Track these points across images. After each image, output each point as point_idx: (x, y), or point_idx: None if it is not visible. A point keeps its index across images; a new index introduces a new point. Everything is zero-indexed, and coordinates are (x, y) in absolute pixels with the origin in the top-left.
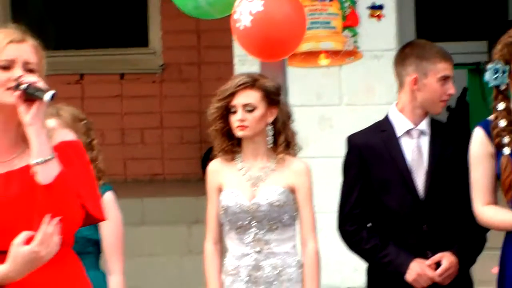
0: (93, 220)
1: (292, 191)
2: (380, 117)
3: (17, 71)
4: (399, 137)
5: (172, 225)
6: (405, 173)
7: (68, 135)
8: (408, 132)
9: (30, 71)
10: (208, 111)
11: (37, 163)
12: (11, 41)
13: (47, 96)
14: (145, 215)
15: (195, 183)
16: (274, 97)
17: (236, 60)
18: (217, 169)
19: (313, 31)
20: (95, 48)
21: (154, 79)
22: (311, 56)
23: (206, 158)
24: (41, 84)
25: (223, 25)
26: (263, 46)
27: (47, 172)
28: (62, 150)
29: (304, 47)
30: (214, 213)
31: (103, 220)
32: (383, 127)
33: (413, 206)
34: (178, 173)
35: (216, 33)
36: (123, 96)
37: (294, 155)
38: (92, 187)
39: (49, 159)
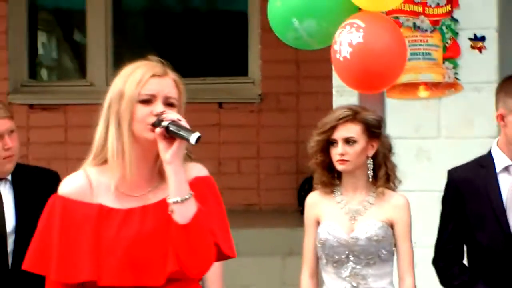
0: (224, 257)
1: (390, 225)
2: (479, 151)
3: (158, 106)
4: (498, 173)
5: (266, 257)
6: (499, 210)
7: (202, 171)
8: (506, 169)
9: (171, 105)
10: (308, 144)
11: (175, 202)
12: (153, 75)
13: (193, 139)
14: (239, 246)
15: (291, 214)
16: (375, 130)
17: (334, 91)
18: (315, 201)
19: (413, 62)
20: (195, 76)
21: (252, 109)
22: (411, 87)
23: (302, 189)
24: (183, 122)
25: (323, 55)
26: (362, 78)
27: (184, 212)
28: (196, 186)
29: (404, 78)
30: (311, 246)
31: (234, 257)
32: (484, 163)
33: (504, 244)
34: (274, 204)
35: (315, 63)
36: (221, 125)
37: (394, 189)
38: (224, 224)
39: (187, 199)
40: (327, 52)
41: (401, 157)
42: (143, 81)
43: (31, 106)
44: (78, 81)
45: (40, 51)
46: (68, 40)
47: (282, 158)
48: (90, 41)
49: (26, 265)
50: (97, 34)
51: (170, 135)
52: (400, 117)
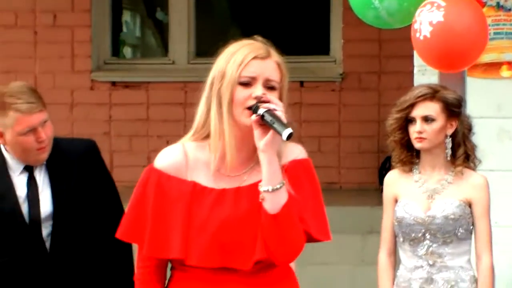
0: (315, 240)
1: (468, 204)
2: None
3: (258, 89)
4: None
5: (346, 235)
6: None
7: (301, 153)
8: None
9: (271, 88)
10: (387, 122)
11: (266, 191)
12: (255, 57)
13: (285, 134)
14: None
15: (372, 192)
16: (454, 109)
17: (415, 70)
18: (394, 180)
19: (496, 42)
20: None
21: (334, 88)
22: (493, 67)
23: (383, 167)
24: (279, 113)
25: (405, 35)
26: (442, 57)
27: (274, 201)
28: (292, 170)
29: (486, 58)
30: (389, 224)
31: (328, 240)
32: None
33: None
34: (354, 182)
35: (397, 42)
36: (302, 103)
37: (473, 168)
38: (319, 207)
39: (278, 189)
40: (409, 31)
41: (482, 136)
42: (244, 63)
43: (113, 83)
44: (160, 59)
45: (123, 29)
46: (150, 18)
47: (363, 137)
48: (173, 20)
49: (120, 234)
50: (180, 12)
51: (264, 124)
52: (482, 96)
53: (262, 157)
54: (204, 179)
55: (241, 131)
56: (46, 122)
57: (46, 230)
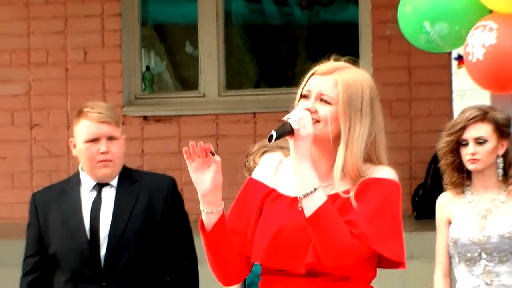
0: (394, 265)
1: None
2: None
3: (309, 102)
4: None
5: None
6: None
7: (385, 174)
8: None
9: (324, 101)
10: (438, 145)
11: (300, 198)
12: (314, 73)
13: (270, 136)
14: None
15: (406, 219)
16: (505, 129)
17: (454, 95)
18: (446, 202)
19: None
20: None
21: None
22: None
23: (416, 194)
24: (291, 120)
25: (436, 61)
26: (496, 78)
27: (308, 206)
28: (363, 186)
29: None
30: (443, 246)
31: (401, 263)
32: None
33: None
34: None
35: (427, 69)
36: None
37: None
38: (384, 228)
39: (308, 194)
40: (440, 58)
41: None
42: (306, 78)
43: (145, 118)
44: (191, 92)
45: (153, 64)
46: (181, 52)
47: (395, 164)
48: (203, 53)
49: None
50: (209, 46)
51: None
52: None
53: (293, 165)
54: (286, 187)
55: (313, 146)
56: (115, 139)
57: (103, 250)
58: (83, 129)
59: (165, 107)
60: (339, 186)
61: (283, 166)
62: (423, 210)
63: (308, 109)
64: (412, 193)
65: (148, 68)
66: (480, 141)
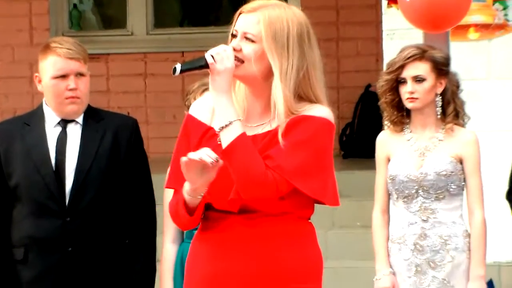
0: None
1: (459, 161)
2: None
3: (236, 41)
4: None
5: None
6: None
7: (318, 112)
8: None
9: (248, 39)
10: (377, 84)
11: (218, 131)
12: (241, 12)
13: (174, 69)
14: None
15: (334, 158)
16: (443, 68)
17: (384, 35)
18: (386, 140)
19: None
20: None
21: None
22: (461, 29)
23: (343, 134)
24: (211, 54)
25: (362, 2)
26: (429, 17)
27: (225, 139)
28: (293, 122)
29: None
30: (382, 183)
31: (322, 201)
32: None
33: None
34: None
35: (355, 9)
36: None
37: (463, 125)
38: (307, 164)
39: (223, 127)
40: None
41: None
42: (235, 18)
43: None
44: (119, 31)
45: (80, 2)
46: None
47: None
48: None
49: (167, 185)
50: None
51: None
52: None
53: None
54: None
55: (246, 86)
56: (83, 76)
57: (68, 185)
58: (50, 64)
59: (93, 45)
60: (273, 123)
61: None
62: (350, 149)
63: (234, 48)
64: (340, 133)
65: (75, 6)
66: (418, 79)
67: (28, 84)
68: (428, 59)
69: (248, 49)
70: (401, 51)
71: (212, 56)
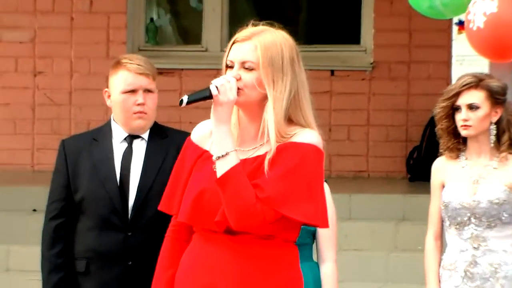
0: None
1: None
2: None
3: (235, 70)
4: None
5: (379, 222)
6: None
7: (308, 138)
8: None
9: (247, 68)
10: (434, 110)
11: (215, 160)
12: (235, 41)
13: (181, 101)
14: (352, 211)
15: (400, 181)
16: (499, 97)
17: (453, 60)
18: (441, 166)
19: None
20: (308, 44)
21: (364, 77)
22: None
23: (411, 157)
24: (215, 85)
25: (437, 25)
26: (495, 47)
27: (220, 168)
28: (283, 151)
29: None
30: (436, 209)
31: (313, 224)
32: None
33: None
34: (382, 171)
35: (428, 32)
36: (332, 92)
37: None
38: (296, 191)
39: (220, 157)
40: (440, 22)
41: None
42: (228, 47)
43: None
44: (193, 47)
45: (157, 16)
46: (185, 6)
47: (392, 126)
48: (207, 7)
49: (160, 207)
50: (214, 0)
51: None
52: None
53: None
54: None
55: (241, 110)
56: (151, 92)
57: (131, 200)
58: (120, 79)
59: (168, 59)
60: (264, 148)
61: None
62: (417, 173)
63: (234, 78)
64: (407, 156)
65: (152, 20)
66: (472, 107)
67: (103, 96)
68: (483, 87)
69: (248, 77)
70: (458, 79)
71: (217, 87)
